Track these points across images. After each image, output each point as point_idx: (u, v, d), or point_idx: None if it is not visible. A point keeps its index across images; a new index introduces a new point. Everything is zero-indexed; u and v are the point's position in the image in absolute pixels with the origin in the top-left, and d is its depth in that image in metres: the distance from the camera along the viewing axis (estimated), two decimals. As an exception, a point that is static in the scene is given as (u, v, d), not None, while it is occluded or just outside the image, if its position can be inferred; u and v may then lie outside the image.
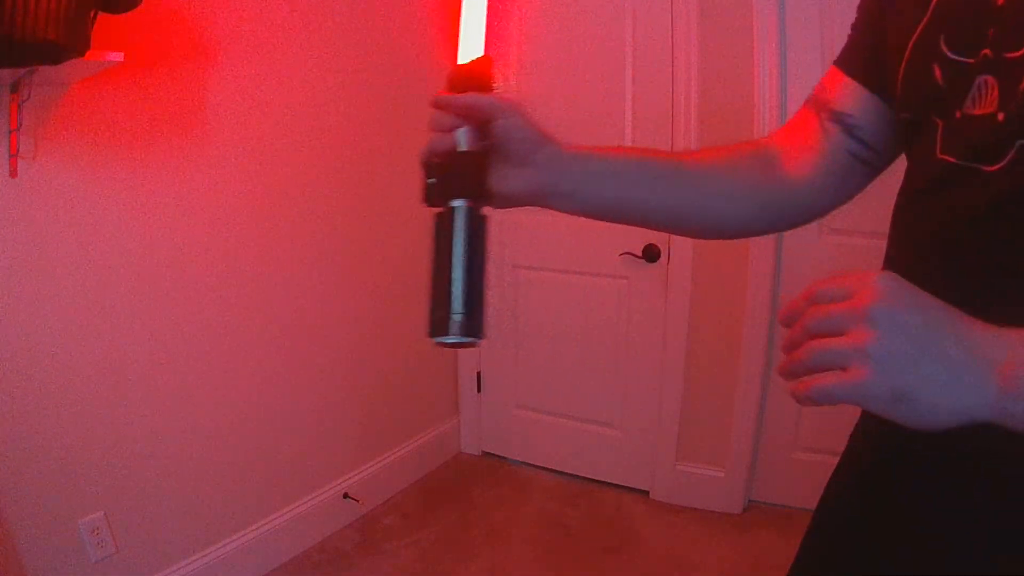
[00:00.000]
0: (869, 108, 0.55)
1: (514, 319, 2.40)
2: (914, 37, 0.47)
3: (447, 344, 0.44)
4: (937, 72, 0.46)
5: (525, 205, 0.53)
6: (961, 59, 0.44)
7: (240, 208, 1.64)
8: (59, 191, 1.28)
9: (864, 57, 0.56)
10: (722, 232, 0.63)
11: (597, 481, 2.32)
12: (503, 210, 0.52)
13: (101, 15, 1.10)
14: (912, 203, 0.50)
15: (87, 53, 1.07)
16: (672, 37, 1.94)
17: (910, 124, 0.50)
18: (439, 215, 0.47)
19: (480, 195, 0.48)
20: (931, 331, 0.34)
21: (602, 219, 0.56)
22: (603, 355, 2.23)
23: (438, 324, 0.44)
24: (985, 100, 0.42)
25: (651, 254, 2.05)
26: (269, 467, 1.80)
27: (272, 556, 1.82)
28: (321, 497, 1.96)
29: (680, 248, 2.02)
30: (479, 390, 2.53)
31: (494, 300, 2.44)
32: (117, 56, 1.15)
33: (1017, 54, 0.40)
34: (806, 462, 2.03)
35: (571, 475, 2.37)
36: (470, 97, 0.48)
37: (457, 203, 0.46)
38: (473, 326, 0.44)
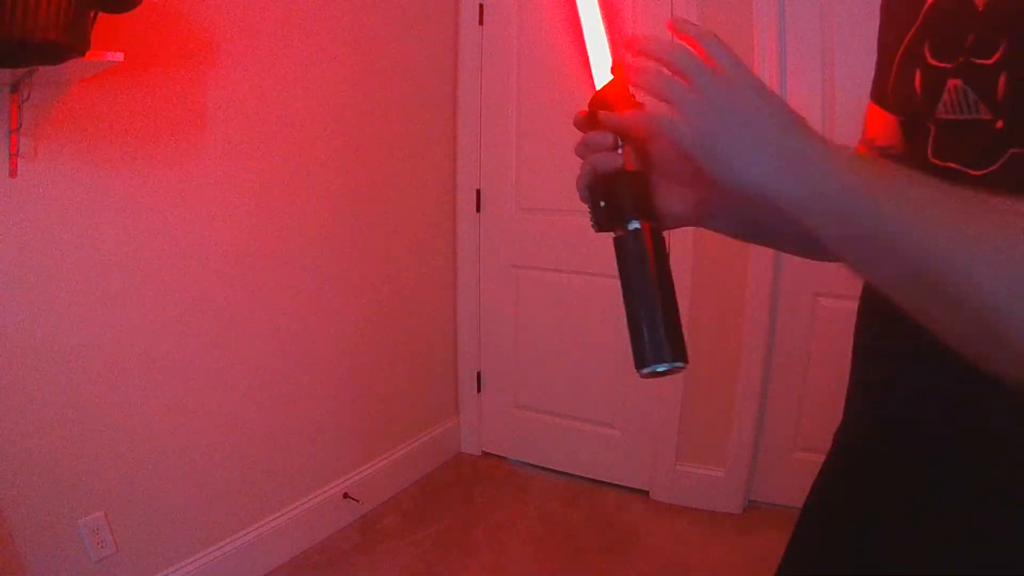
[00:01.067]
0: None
1: (514, 319, 2.40)
2: (903, 44, 0.48)
3: (658, 373, 0.42)
4: (918, 78, 0.47)
5: (687, 225, 0.51)
6: (941, 64, 0.45)
7: (240, 208, 1.64)
8: (59, 191, 1.28)
9: (881, 82, 0.56)
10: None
11: (597, 481, 2.32)
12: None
13: (101, 15, 1.10)
14: None
15: (87, 53, 1.07)
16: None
17: (907, 127, 0.51)
18: (621, 240, 0.45)
19: (652, 215, 0.46)
20: (754, 105, 0.38)
21: (754, 241, 0.55)
22: (603, 355, 2.23)
23: (648, 354, 0.42)
24: (961, 105, 0.43)
25: (651, 254, 2.05)
26: (269, 467, 1.80)
27: (272, 556, 1.82)
28: (321, 497, 1.96)
29: (680, 248, 2.02)
30: (479, 390, 2.53)
31: (495, 300, 2.44)
32: (117, 56, 1.15)
33: (988, 61, 0.41)
34: (806, 462, 2.03)
35: (571, 475, 2.37)
36: (631, 114, 0.46)
37: (635, 224, 0.44)
38: (680, 350, 0.43)
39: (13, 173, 1.19)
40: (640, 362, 0.42)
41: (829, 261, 0.64)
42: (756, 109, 0.39)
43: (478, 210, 2.40)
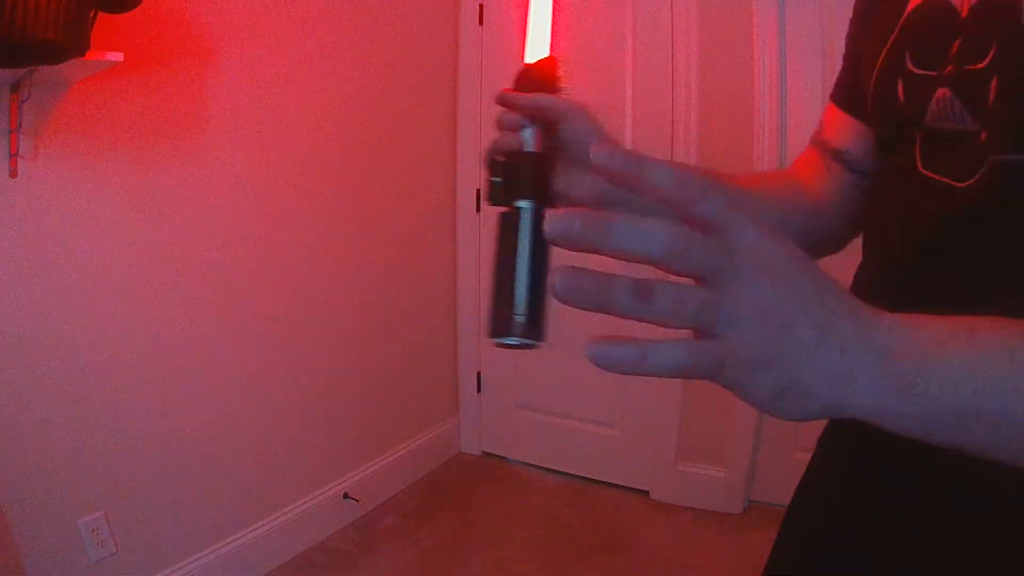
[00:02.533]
0: (865, 139, 0.55)
1: (514, 319, 2.40)
2: (883, 54, 0.48)
3: (507, 345, 0.43)
4: (900, 88, 0.46)
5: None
6: (924, 72, 0.44)
7: (240, 207, 1.64)
8: (59, 191, 1.28)
9: (851, 87, 0.56)
10: None
11: (597, 481, 2.32)
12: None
13: (101, 15, 1.10)
14: (888, 210, 0.50)
15: (87, 53, 1.07)
16: (672, 37, 1.94)
17: (888, 141, 0.50)
18: (504, 215, 0.46)
19: (547, 197, 0.46)
20: (811, 288, 0.28)
21: None
22: (603, 355, 2.23)
23: (500, 325, 0.43)
24: (948, 115, 0.42)
25: (651, 254, 2.05)
26: (269, 467, 1.80)
27: (272, 556, 1.82)
28: (321, 497, 1.96)
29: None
30: (479, 390, 2.53)
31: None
32: (117, 56, 1.15)
33: (978, 66, 0.40)
34: (806, 462, 2.02)
35: (571, 475, 2.37)
36: (540, 97, 0.47)
37: (523, 204, 0.45)
38: (536, 329, 0.43)
39: (13, 173, 1.19)
40: (493, 331, 0.43)
41: None
42: (816, 296, 0.28)
43: (478, 210, 2.40)
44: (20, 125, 1.18)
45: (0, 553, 1.25)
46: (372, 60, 1.97)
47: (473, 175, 2.38)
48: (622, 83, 2.05)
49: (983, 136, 0.40)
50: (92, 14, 1.07)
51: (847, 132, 0.56)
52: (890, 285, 0.48)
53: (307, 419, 1.90)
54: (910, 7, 0.46)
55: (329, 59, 1.83)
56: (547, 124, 0.47)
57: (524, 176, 0.46)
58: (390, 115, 2.07)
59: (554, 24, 0.50)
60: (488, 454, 2.55)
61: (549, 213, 0.28)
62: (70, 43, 1.00)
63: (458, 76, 2.34)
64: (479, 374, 2.52)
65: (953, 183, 0.42)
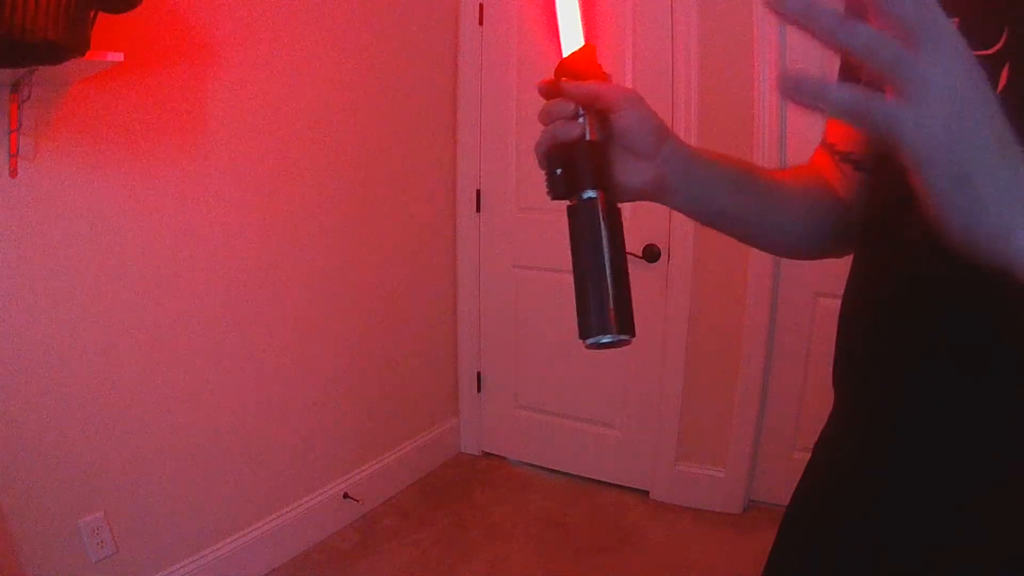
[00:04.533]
0: (867, 137, 0.54)
1: (514, 319, 2.40)
2: None
3: (602, 345, 0.41)
4: None
5: (642, 200, 0.50)
6: None
7: (240, 208, 1.64)
8: (59, 191, 1.28)
9: (846, 83, 0.55)
10: (799, 251, 0.61)
11: (597, 481, 2.32)
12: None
13: (101, 15, 1.10)
14: (885, 204, 0.50)
15: (87, 53, 1.07)
16: (672, 37, 1.94)
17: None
18: (574, 210, 0.44)
19: (610, 185, 0.45)
20: (999, 112, 0.27)
21: (703, 222, 0.54)
22: (603, 355, 2.23)
23: (593, 325, 0.41)
24: None
25: (651, 254, 2.05)
26: (269, 467, 1.80)
27: (272, 556, 1.82)
28: (321, 497, 1.96)
29: (680, 248, 2.02)
30: (479, 390, 2.53)
31: (495, 300, 2.44)
32: (117, 56, 1.15)
33: (989, 51, 0.38)
34: (806, 462, 2.03)
35: (571, 475, 2.37)
36: (595, 84, 0.45)
37: (589, 194, 0.43)
38: (628, 323, 0.41)
39: (13, 173, 1.19)
40: (584, 331, 0.41)
41: (792, 257, 0.64)
42: (1000, 118, 0.28)
43: (478, 210, 2.40)
44: (20, 125, 1.18)
45: (0, 553, 1.25)
46: (372, 59, 1.97)
47: (473, 175, 2.38)
48: (622, 83, 2.04)
49: None
50: (92, 14, 1.07)
51: (849, 133, 0.56)
52: (890, 278, 0.48)
53: (307, 419, 1.90)
54: None
55: (329, 59, 1.83)
56: (601, 112, 0.46)
57: (588, 165, 0.44)
58: (390, 115, 2.07)
59: (584, 10, 0.48)
60: (488, 454, 2.55)
61: None
62: (70, 43, 1.00)
63: (458, 76, 2.34)
64: (479, 374, 2.52)
65: None
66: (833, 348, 0.56)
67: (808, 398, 2.00)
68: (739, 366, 2.02)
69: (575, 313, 0.42)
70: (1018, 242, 0.27)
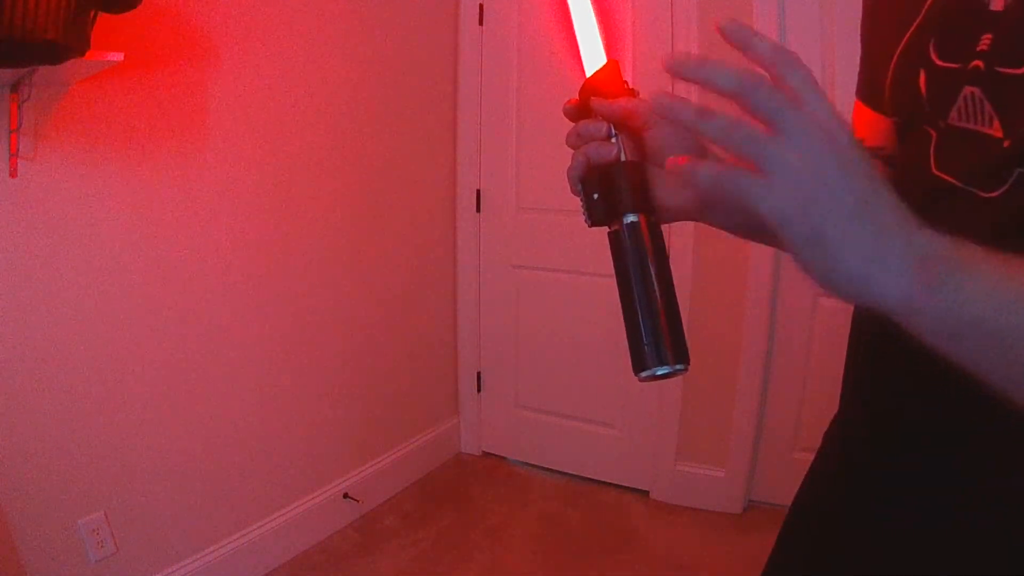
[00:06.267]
0: (896, 132, 0.53)
1: (514, 319, 2.40)
2: (904, 39, 0.45)
3: (658, 377, 0.39)
4: (922, 79, 0.44)
5: (685, 220, 0.47)
6: (949, 66, 0.42)
7: (240, 208, 1.64)
8: (59, 191, 1.28)
9: (870, 80, 0.53)
10: None
11: (597, 481, 2.32)
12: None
13: (101, 15, 1.10)
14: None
15: (87, 53, 1.07)
16: (672, 37, 1.94)
17: (901, 128, 0.48)
18: (618, 235, 0.41)
19: (651, 207, 0.42)
20: (865, 175, 0.30)
21: (753, 239, 0.51)
22: (603, 355, 2.23)
23: (648, 356, 0.39)
24: (975, 115, 0.40)
25: (651, 254, 2.05)
26: (269, 467, 1.80)
27: (272, 556, 1.82)
28: (321, 497, 1.96)
29: (680, 248, 2.02)
30: (479, 390, 2.53)
31: (494, 300, 2.44)
32: (117, 56, 1.15)
33: (1017, 71, 0.37)
34: (806, 462, 2.01)
35: (571, 475, 2.37)
36: (628, 101, 0.43)
37: (631, 218, 0.41)
38: (683, 352, 0.39)
39: (13, 173, 1.19)
40: (639, 365, 0.39)
41: None
42: (866, 180, 0.30)
43: (478, 210, 2.40)
44: (20, 125, 1.18)
45: (0, 553, 1.25)
46: (372, 59, 1.97)
47: (473, 175, 2.38)
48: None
49: (1006, 144, 0.38)
50: (92, 14, 1.07)
51: (878, 129, 0.55)
52: None
53: (307, 419, 1.90)
54: None
55: (329, 59, 1.83)
56: (635, 132, 0.44)
57: (627, 187, 0.42)
58: (390, 115, 2.07)
59: (602, 26, 0.46)
60: (488, 454, 2.55)
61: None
62: (70, 43, 1.00)
63: (458, 76, 2.34)
64: (479, 374, 2.52)
65: (977, 192, 0.40)
66: (832, 348, 0.56)
67: (808, 398, 2.00)
68: (739, 366, 2.02)
69: (626, 344, 0.40)
70: (876, 288, 0.30)
